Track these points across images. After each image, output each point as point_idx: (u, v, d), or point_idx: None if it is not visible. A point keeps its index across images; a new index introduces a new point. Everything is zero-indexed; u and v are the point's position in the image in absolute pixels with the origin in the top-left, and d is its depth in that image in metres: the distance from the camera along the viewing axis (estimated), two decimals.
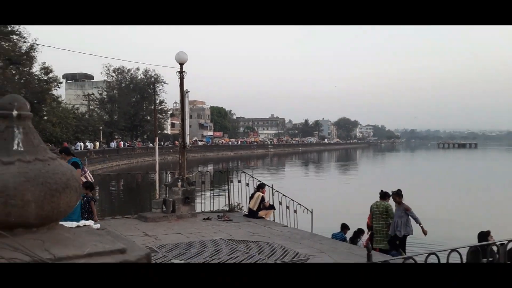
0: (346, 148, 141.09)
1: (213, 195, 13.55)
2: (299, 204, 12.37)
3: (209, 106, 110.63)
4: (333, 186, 36.74)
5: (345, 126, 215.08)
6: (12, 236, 1.76)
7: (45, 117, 45.00)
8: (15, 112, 2.00)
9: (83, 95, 67.83)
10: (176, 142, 70.32)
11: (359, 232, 11.15)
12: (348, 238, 11.13)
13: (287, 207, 12.16)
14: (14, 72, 41.54)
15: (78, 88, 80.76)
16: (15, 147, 1.96)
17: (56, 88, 49.46)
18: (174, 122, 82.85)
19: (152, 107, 68.69)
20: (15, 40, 40.76)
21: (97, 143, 51.69)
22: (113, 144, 55.25)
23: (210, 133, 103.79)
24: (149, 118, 68.13)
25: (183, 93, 12.50)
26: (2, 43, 39.45)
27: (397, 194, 9.88)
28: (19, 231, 1.88)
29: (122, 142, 59.35)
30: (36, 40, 42.10)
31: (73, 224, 2.26)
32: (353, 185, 36.56)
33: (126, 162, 50.80)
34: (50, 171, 1.94)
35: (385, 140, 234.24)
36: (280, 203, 12.27)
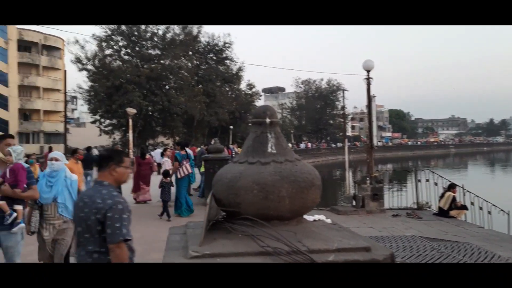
0: None
1: (400, 193, 12.72)
2: (493, 205, 10.62)
3: (387, 109, 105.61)
4: None
5: None
6: (270, 226, 1.84)
7: (250, 124, 49.37)
8: (268, 120, 2.09)
9: (277, 105, 72.43)
10: (356, 143, 69.10)
11: None
12: None
13: (480, 208, 10.57)
14: (227, 89, 46.86)
15: (274, 99, 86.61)
16: (269, 149, 2.04)
17: (257, 100, 54.01)
18: (354, 125, 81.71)
19: (334, 112, 69.14)
20: (228, 64, 45.95)
21: (290, 144, 54.50)
22: (302, 145, 57.46)
23: (389, 134, 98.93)
24: (331, 122, 68.83)
25: (370, 98, 12.09)
26: (219, 66, 44.86)
27: None
28: (275, 222, 1.94)
29: (309, 143, 61.30)
30: (243, 62, 46.72)
31: (310, 218, 2.26)
32: None
33: (313, 160, 52.09)
34: (298, 170, 1.96)
35: None
36: (472, 203, 10.75)
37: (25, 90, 44.73)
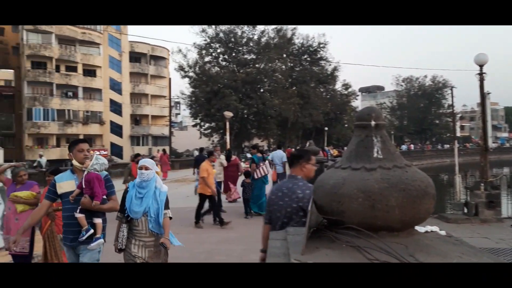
0: None
1: None
2: None
3: (503, 107, 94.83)
4: None
5: None
6: (377, 238, 1.72)
7: (346, 125, 48.26)
8: (373, 122, 1.96)
9: (375, 104, 69.79)
10: (467, 144, 63.16)
11: None
12: None
13: None
14: (322, 90, 46.40)
15: (372, 99, 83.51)
16: (375, 154, 1.91)
17: (354, 100, 52.61)
18: (463, 124, 74.90)
19: (440, 111, 64.15)
20: (322, 64, 45.49)
21: None
22: (404, 147, 54.28)
23: (505, 134, 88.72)
24: (437, 121, 64.12)
25: (483, 95, 10.98)
26: (313, 67, 44.61)
27: None
28: (383, 233, 1.81)
29: (412, 145, 57.74)
30: (338, 62, 45.87)
31: (421, 229, 2.08)
32: None
33: (417, 163, 48.86)
34: (409, 177, 1.80)
35: None
36: None
37: (136, 97, 49.48)
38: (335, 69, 45.97)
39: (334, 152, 26.29)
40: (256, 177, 10.69)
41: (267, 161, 11.97)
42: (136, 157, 11.55)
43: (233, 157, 13.04)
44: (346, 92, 50.05)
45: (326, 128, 42.30)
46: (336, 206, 1.80)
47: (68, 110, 41.66)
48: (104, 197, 3.67)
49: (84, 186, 3.58)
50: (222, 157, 11.51)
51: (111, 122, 45.65)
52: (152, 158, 12.68)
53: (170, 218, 3.95)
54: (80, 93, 42.85)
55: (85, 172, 3.64)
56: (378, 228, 1.77)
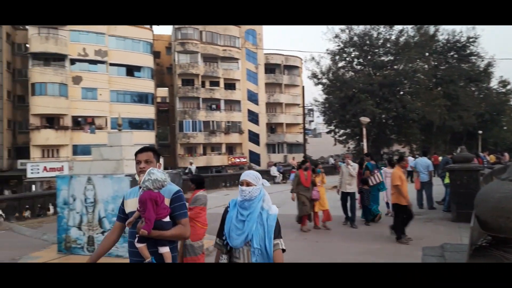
0: None
1: None
2: None
3: None
4: None
5: None
6: None
7: (505, 127, 42.47)
8: None
9: None
10: None
11: None
12: None
13: None
14: (473, 89, 41.77)
15: None
16: None
17: None
18: None
19: None
20: (473, 61, 40.99)
21: None
22: None
23: None
24: None
25: None
26: (462, 65, 40.45)
27: None
28: None
29: None
30: (493, 57, 40.84)
31: None
32: None
33: None
34: None
35: None
36: None
37: (271, 106, 51.83)
38: (489, 65, 40.90)
39: (491, 158, 23.26)
40: (371, 183, 10.63)
41: (383, 169, 11.60)
42: (303, 164, 10.25)
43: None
44: (503, 90, 44.04)
45: (480, 132, 37.73)
46: (504, 223, 1.63)
47: (212, 121, 45.82)
48: (167, 219, 2.92)
49: (139, 208, 2.89)
50: (354, 165, 10.64)
51: (249, 131, 48.66)
52: (316, 165, 10.98)
53: (283, 250, 2.95)
54: (222, 105, 46.73)
55: (140, 191, 2.95)
56: None
